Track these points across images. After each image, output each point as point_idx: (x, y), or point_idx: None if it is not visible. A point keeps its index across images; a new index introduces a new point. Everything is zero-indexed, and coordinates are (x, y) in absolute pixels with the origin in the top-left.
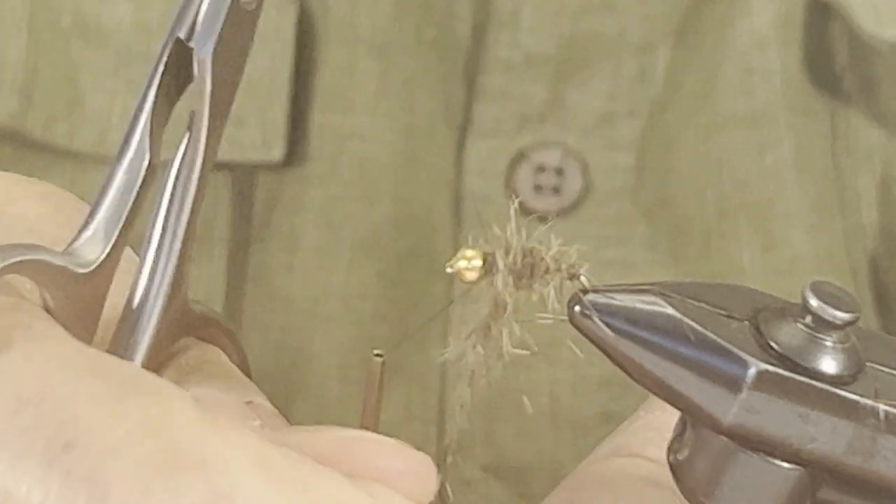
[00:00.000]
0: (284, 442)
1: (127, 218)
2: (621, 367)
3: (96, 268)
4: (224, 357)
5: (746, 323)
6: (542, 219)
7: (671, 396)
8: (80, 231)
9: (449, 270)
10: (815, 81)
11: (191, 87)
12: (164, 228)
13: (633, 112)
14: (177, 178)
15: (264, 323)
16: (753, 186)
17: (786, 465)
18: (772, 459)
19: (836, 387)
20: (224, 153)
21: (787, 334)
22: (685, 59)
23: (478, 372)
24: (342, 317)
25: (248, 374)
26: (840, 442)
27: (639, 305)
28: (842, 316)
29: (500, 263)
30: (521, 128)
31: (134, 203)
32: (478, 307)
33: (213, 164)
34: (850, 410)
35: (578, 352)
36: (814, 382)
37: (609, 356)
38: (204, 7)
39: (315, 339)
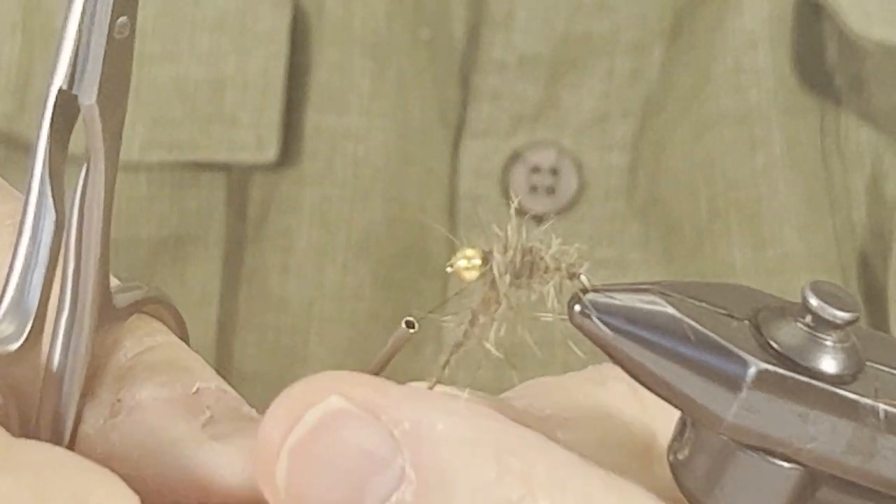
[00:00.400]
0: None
1: (45, 279)
2: (621, 366)
3: (26, 339)
4: (164, 335)
5: (746, 322)
6: (537, 219)
7: (671, 396)
8: None
9: (449, 269)
10: (805, 80)
11: (80, 119)
12: (76, 268)
13: (627, 112)
14: (81, 214)
15: (259, 324)
16: (744, 185)
17: (786, 464)
18: (772, 459)
19: (836, 386)
20: (219, 154)
21: (787, 334)
22: (678, 58)
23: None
24: (337, 317)
25: (186, 341)
26: (840, 442)
27: (639, 305)
28: (842, 315)
29: (500, 262)
30: (515, 128)
31: (49, 261)
32: (474, 300)
33: (113, 192)
34: (849, 410)
35: (580, 352)
36: (814, 382)
37: (609, 356)
38: (79, 52)
39: (310, 339)
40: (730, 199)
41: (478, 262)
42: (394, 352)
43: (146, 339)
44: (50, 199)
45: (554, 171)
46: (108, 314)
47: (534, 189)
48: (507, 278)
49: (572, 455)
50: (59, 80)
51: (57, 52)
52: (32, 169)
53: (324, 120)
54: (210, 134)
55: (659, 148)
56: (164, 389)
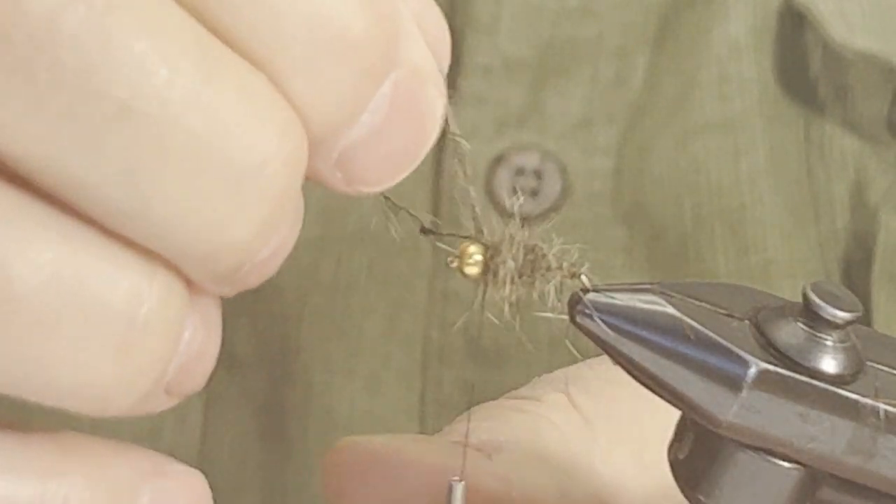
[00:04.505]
0: None
1: None
2: (621, 366)
3: None
4: None
5: (747, 322)
6: (521, 221)
7: (671, 396)
8: None
9: (452, 265)
10: (789, 89)
11: None
12: None
13: (611, 117)
14: None
15: (252, 311)
16: (728, 192)
17: (785, 464)
18: (772, 458)
19: (837, 386)
20: None
21: (788, 333)
22: (663, 64)
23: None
24: (330, 308)
25: None
26: (840, 441)
27: (639, 304)
28: (842, 315)
29: (503, 259)
30: (499, 132)
31: None
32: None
33: None
34: (850, 410)
35: (577, 353)
36: (814, 382)
37: (609, 355)
38: None
39: (302, 328)
40: (714, 207)
41: (479, 258)
42: None
43: None
44: None
45: (537, 174)
46: None
47: (516, 192)
48: (510, 275)
49: None
50: None
51: None
52: None
53: None
54: None
55: (643, 154)
56: None
